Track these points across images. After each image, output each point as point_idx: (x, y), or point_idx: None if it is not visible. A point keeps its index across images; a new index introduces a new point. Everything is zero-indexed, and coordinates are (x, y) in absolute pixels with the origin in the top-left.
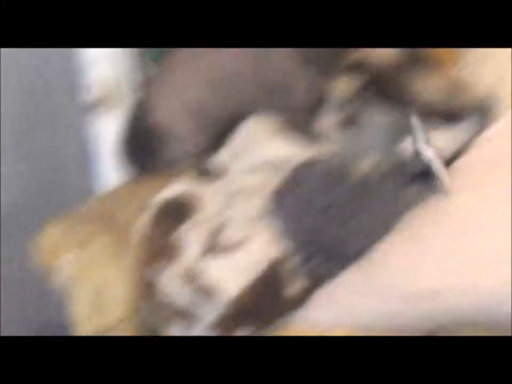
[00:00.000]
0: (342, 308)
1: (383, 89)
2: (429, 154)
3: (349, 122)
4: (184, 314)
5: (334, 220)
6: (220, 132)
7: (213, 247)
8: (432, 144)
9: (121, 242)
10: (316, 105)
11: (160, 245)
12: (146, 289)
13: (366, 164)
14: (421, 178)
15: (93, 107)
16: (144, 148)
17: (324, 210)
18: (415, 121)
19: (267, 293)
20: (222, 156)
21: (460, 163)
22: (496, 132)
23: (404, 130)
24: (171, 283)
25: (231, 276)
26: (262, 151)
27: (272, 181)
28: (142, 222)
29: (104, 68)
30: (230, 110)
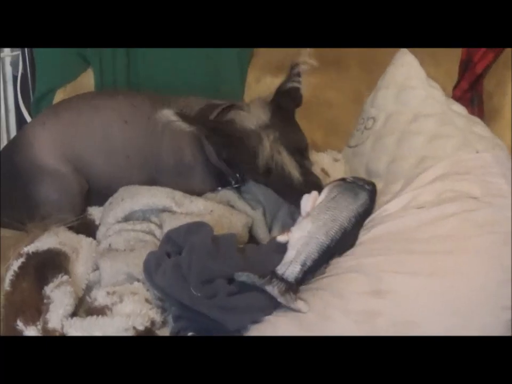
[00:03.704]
0: None
1: None
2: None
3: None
4: None
5: (213, 297)
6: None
7: (77, 311)
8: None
9: None
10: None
11: (28, 297)
12: None
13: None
14: None
15: None
16: (17, 186)
17: (201, 287)
18: None
19: None
20: (94, 212)
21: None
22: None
23: None
24: None
25: None
26: (135, 201)
27: (147, 240)
28: (11, 272)
29: None
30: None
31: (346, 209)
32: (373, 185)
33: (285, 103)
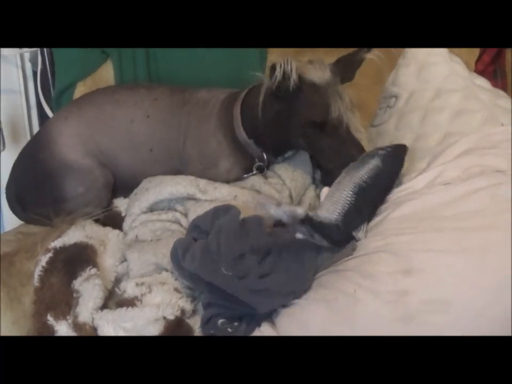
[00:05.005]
0: None
1: None
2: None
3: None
4: None
5: (244, 277)
6: (123, 178)
7: (107, 303)
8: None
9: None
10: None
11: (57, 292)
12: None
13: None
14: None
15: None
16: (42, 181)
17: (232, 265)
18: None
19: None
20: (120, 204)
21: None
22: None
23: None
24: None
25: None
26: (160, 191)
27: (173, 229)
28: (39, 267)
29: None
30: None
31: (348, 184)
32: (390, 148)
33: (339, 72)
